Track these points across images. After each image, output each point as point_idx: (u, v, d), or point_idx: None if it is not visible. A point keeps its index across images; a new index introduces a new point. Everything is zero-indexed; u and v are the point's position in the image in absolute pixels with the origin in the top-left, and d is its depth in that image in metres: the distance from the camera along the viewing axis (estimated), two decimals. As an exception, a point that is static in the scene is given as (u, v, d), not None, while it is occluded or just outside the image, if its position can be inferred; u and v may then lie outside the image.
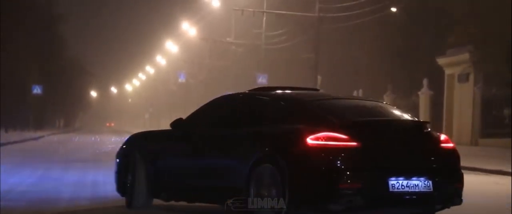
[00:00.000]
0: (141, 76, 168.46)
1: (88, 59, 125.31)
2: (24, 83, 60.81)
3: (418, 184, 9.47)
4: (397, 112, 10.36)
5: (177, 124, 11.26)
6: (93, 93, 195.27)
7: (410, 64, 53.75)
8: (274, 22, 60.59)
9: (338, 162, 9.16)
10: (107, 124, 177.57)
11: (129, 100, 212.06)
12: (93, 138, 58.14)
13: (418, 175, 9.51)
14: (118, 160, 11.99)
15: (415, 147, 9.76)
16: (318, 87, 59.36)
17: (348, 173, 9.13)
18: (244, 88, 16.23)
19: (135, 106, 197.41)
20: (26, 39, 65.98)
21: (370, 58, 59.65)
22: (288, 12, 55.47)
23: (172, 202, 11.47)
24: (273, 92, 10.77)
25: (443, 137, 10.07)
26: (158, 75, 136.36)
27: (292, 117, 9.90)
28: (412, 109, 47.86)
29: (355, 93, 55.86)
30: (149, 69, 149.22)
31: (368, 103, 10.73)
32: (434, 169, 9.71)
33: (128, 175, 11.61)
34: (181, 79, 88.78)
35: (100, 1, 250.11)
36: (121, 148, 12.15)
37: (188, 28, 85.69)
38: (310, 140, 9.21)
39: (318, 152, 9.17)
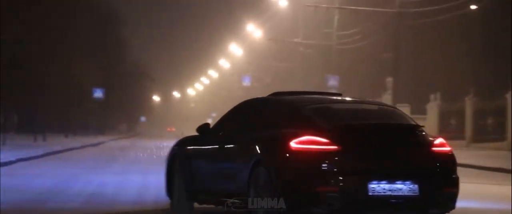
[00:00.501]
0: (204, 80, 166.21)
1: (150, 63, 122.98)
2: (85, 87, 58.23)
3: (402, 188, 9.43)
4: (395, 116, 10.34)
5: (202, 129, 11.63)
6: (156, 98, 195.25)
7: (495, 64, 49.90)
8: (345, 20, 57.13)
9: (317, 165, 9.30)
10: (168, 129, 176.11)
11: (192, 105, 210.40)
12: (155, 143, 55.67)
13: (403, 178, 9.45)
14: (166, 164, 12.31)
15: (401, 151, 9.67)
16: (389, 89, 57.60)
17: (326, 176, 9.26)
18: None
19: (197, 111, 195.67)
20: (87, 41, 63.51)
21: (449, 58, 55.86)
22: (365, 8, 51.83)
23: (212, 206, 11.47)
24: (278, 97, 10.99)
25: (438, 140, 9.95)
26: (222, 79, 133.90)
27: (287, 121, 10.11)
28: (498, 112, 44.04)
29: (432, 97, 52.25)
30: (212, 73, 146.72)
31: (369, 107, 10.72)
32: (421, 173, 9.62)
33: (172, 178, 11.99)
34: (246, 83, 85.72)
35: (162, 5, 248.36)
36: (169, 152, 12.47)
37: (254, 30, 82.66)
38: (293, 144, 9.41)
39: (300, 156, 9.34)
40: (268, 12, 78.30)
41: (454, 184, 9.88)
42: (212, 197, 11.10)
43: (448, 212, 9.92)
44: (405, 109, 63.12)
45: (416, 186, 9.49)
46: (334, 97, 11.26)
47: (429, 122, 47.21)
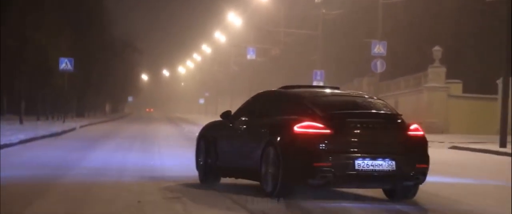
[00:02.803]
0: (196, 57, 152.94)
1: (137, 37, 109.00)
2: (52, 58, 44.51)
3: (382, 164, 11.69)
4: (379, 105, 12.47)
5: (225, 115, 13.85)
6: (144, 77, 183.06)
7: None
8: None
9: (314, 145, 11.59)
10: (147, 110, 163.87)
11: (182, 84, 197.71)
12: (146, 129, 43.31)
13: (383, 156, 11.70)
14: (196, 144, 14.61)
15: (381, 134, 11.89)
16: (436, 60, 46.16)
17: (321, 154, 11.56)
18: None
19: (188, 90, 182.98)
20: (60, 6, 50.33)
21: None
22: None
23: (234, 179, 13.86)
24: (286, 90, 13.24)
25: (413, 126, 12.13)
26: (216, 54, 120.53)
27: (292, 109, 12.38)
28: None
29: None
30: (206, 49, 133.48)
31: (357, 98, 12.76)
32: (397, 152, 11.82)
33: (200, 156, 14.29)
34: (250, 56, 72.85)
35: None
36: (198, 134, 14.72)
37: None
38: (296, 128, 11.74)
39: (301, 137, 11.67)
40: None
41: (425, 161, 12.10)
42: (232, 171, 13.58)
43: (420, 184, 12.22)
44: (456, 86, 51.11)
45: (394, 162, 11.75)
46: (331, 91, 13.24)
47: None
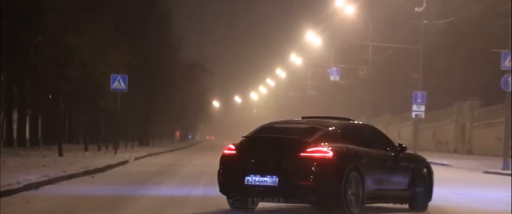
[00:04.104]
0: (270, 82, 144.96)
1: (209, 61, 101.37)
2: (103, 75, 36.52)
3: (267, 180, 13.06)
4: (300, 131, 13.74)
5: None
6: (215, 103, 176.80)
7: None
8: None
9: (222, 163, 13.72)
10: (207, 137, 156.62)
11: (254, 111, 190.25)
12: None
13: (271, 174, 13.06)
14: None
15: (275, 155, 13.24)
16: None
17: (223, 171, 13.65)
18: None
19: (261, 117, 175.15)
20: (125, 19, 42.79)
21: None
22: None
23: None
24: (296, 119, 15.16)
25: (311, 149, 13.03)
26: (293, 77, 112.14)
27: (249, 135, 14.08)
28: None
29: None
30: (280, 73, 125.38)
31: (287, 125, 14.39)
32: (283, 170, 13.04)
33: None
34: (334, 77, 64.25)
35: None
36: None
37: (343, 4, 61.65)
38: (224, 150, 13.76)
39: (222, 158, 13.79)
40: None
41: (309, 179, 12.91)
42: None
43: (303, 202, 13.44)
44: None
45: (277, 179, 13.05)
46: (296, 119, 15.00)
47: None
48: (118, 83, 34.89)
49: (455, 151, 62.55)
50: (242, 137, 13.84)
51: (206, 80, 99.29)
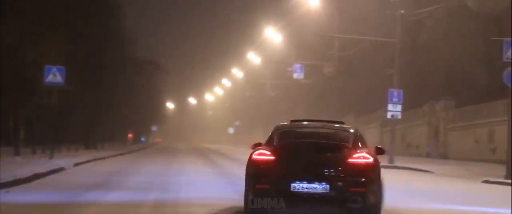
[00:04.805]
0: (226, 83, 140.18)
1: (163, 59, 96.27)
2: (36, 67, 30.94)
3: (317, 187, 12.78)
4: (338, 136, 13.77)
5: (255, 146, 14.19)
6: (170, 105, 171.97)
7: None
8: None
9: (258, 169, 13.08)
10: (156, 140, 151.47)
11: (209, 112, 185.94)
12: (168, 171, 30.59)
13: (319, 180, 12.79)
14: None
15: (322, 161, 13.01)
16: None
17: (262, 177, 12.96)
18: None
19: (217, 119, 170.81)
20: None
21: None
22: None
23: None
24: (285, 123, 14.90)
25: (357, 154, 13.05)
26: (250, 77, 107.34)
27: (272, 140, 13.76)
28: None
29: None
30: (237, 73, 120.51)
31: (319, 130, 14.25)
32: (333, 177, 12.82)
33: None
34: (297, 74, 59.50)
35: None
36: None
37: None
38: (253, 156, 13.24)
39: (253, 163, 13.18)
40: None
41: (361, 185, 12.85)
42: None
43: (358, 207, 12.87)
44: None
45: (328, 185, 12.81)
46: (304, 123, 14.85)
47: None
48: (54, 76, 29.59)
49: (427, 155, 58.15)
50: (253, 145, 14.05)
51: (160, 80, 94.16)
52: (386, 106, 42.23)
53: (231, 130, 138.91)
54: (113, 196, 16.91)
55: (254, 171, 12.99)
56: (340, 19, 54.26)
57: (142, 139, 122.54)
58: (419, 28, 51.91)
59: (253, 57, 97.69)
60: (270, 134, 14.06)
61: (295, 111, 77.27)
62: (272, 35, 76.48)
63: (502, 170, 31.13)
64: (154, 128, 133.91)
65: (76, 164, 29.89)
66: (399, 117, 42.18)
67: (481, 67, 50.15)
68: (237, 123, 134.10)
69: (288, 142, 13.45)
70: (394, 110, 41.78)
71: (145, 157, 48.69)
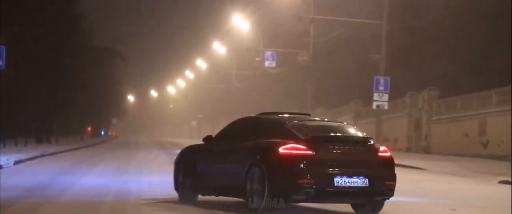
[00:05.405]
0: (189, 74, 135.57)
1: (122, 48, 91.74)
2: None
3: (357, 181, 12.96)
4: (351, 130, 13.88)
5: (207, 139, 14.91)
6: (130, 98, 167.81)
7: None
8: None
9: (298, 164, 12.72)
10: (110, 133, 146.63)
11: (171, 106, 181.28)
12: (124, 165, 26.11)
13: (357, 174, 12.97)
14: (174, 167, 15.69)
15: (355, 155, 13.18)
16: None
17: (304, 172, 12.69)
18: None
19: (179, 112, 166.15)
20: None
21: None
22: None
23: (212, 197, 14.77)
24: (266, 116, 14.61)
25: (382, 148, 13.50)
26: (215, 68, 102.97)
27: (274, 133, 13.51)
28: None
29: None
30: (201, 64, 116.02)
31: (332, 123, 14.26)
32: (370, 171, 13.09)
33: (179, 177, 15.35)
34: (269, 63, 55.25)
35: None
36: (176, 157, 15.81)
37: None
38: (281, 150, 12.87)
39: (286, 158, 12.79)
40: None
41: (393, 178, 13.37)
42: (214, 190, 14.56)
43: (388, 199, 13.48)
44: None
45: (367, 180, 13.04)
46: (305, 116, 14.62)
47: None
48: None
49: (408, 150, 54.12)
50: (204, 138, 14.54)
51: (119, 70, 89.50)
52: (359, 98, 38.42)
53: (194, 123, 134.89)
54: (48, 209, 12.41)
55: (292, 166, 12.70)
56: (317, 2, 49.94)
57: (102, 132, 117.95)
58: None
59: (219, 47, 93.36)
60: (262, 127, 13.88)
61: (264, 103, 73.01)
62: (240, 22, 72.14)
63: (498, 166, 29.67)
64: (113, 121, 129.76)
65: (18, 162, 25.19)
66: (386, 108, 38.26)
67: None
68: (200, 116, 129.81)
69: (320, 137, 13.23)
70: (380, 99, 37.93)
71: (103, 152, 44.07)
